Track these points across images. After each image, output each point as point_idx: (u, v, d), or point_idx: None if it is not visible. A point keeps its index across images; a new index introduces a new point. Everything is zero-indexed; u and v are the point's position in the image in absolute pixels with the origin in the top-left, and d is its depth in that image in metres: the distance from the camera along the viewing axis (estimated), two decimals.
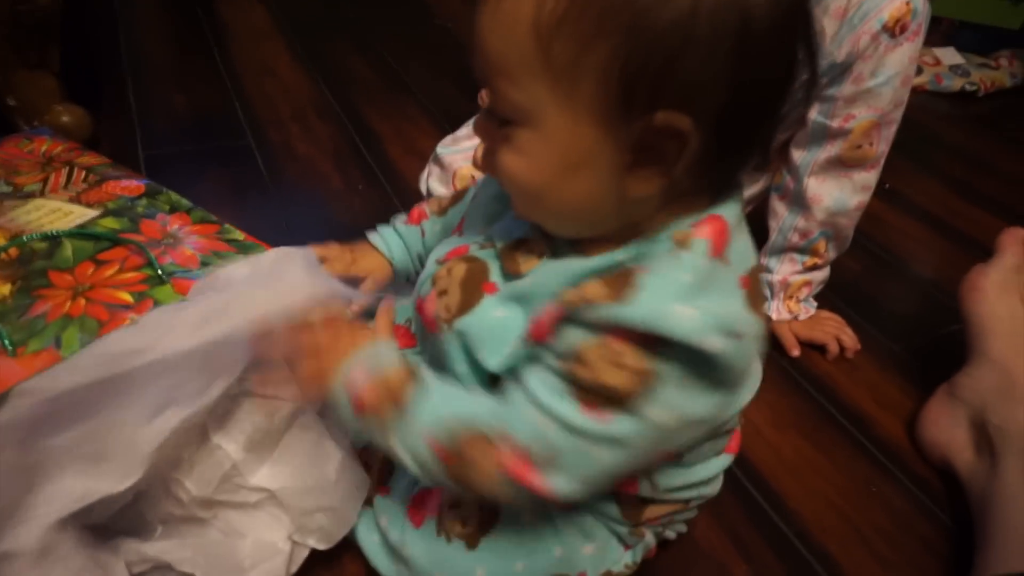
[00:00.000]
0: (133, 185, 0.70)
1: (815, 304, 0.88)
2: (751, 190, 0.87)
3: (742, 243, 0.43)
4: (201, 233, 0.65)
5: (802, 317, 0.87)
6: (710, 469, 0.53)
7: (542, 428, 0.41)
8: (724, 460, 0.55)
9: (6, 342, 0.53)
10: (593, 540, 0.54)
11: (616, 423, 0.40)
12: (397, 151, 1.13)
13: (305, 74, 1.33)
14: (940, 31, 1.60)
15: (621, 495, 0.53)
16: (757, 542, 0.66)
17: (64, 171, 0.71)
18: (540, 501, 0.43)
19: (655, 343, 0.38)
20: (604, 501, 0.53)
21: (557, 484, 0.42)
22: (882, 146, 0.77)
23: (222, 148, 1.10)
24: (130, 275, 0.60)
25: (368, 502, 0.58)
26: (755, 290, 0.42)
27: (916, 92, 1.55)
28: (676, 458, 0.50)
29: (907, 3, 0.70)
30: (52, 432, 0.44)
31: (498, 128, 0.42)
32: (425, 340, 0.53)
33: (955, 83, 1.55)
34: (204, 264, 0.61)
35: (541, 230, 0.46)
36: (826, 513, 0.69)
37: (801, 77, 0.40)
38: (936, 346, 0.91)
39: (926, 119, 1.49)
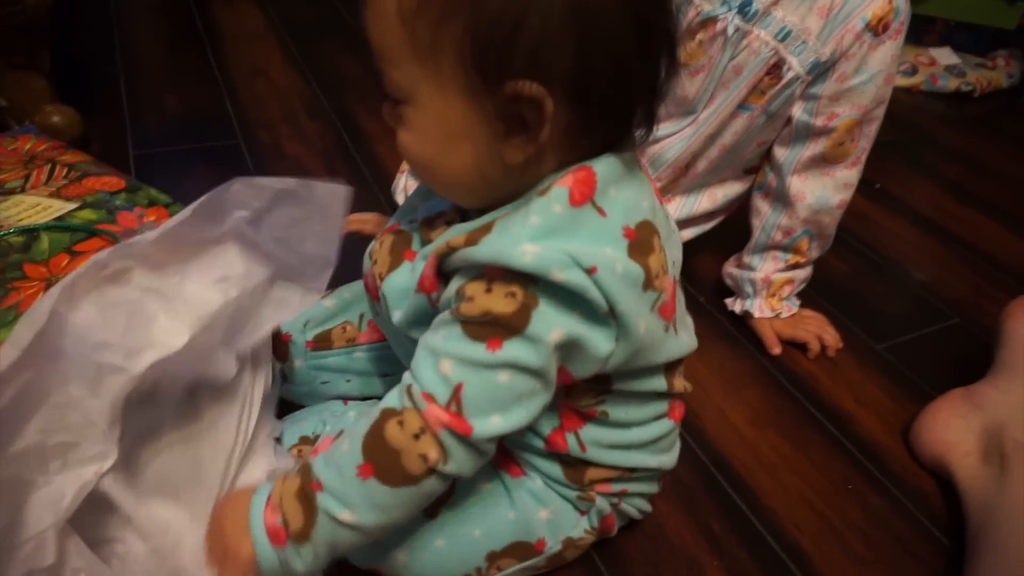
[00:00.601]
0: (113, 181, 0.70)
1: (798, 303, 0.88)
2: (732, 191, 0.87)
3: (625, 196, 0.45)
4: None
5: (784, 315, 0.87)
6: (648, 432, 0.54)
7: (444, 371, 0.43)
8: (663, 425, 0.55)
9: None
10: (546, 505, 0.56)
11: (507, 347, 0.43)
12: (385, 150, 1.13)
13: (297, 75, 1.34)
14: (936, 31, 1.59)
15: (560, 456, 0.54)
16: (730, 538, 0.65)
17: (46, 168, 0.72)
18: (478, 454, 0.45)
19: (514, 276, 0.42)
20: (547, 461, 0.55)
21: (478, 423, 0.43)
22: (863, 143, 0.77)
23: (211, 148, 1.10)
24: None
25: None
26: (641, 241, 0.45)
27: (911, 93, 1.55)
28: (598, 415, 0.52)
29: (890, 2, 0.70)
30: (14, 433, 0.43)
31: (394, 109, 0.46)
32: (377, 314, 0.57)
33: (950, 83, 1.54)
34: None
35: (456, 205, 0.51)
36: (801, 510, 0.69)
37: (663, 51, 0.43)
38: (919, 346, 0.90)
39: (921, 120, 1.48)
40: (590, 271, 0.42)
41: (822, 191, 0.79)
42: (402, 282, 0.51)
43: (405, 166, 0.98)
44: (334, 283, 0.78)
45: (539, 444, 0.54)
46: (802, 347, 0.86)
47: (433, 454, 0.44)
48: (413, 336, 0.50)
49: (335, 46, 1.45)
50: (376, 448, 0.44)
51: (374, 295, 0.55)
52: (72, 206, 0.66)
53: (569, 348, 0.44)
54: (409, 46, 0.42)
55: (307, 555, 0.46)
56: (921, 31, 1.59)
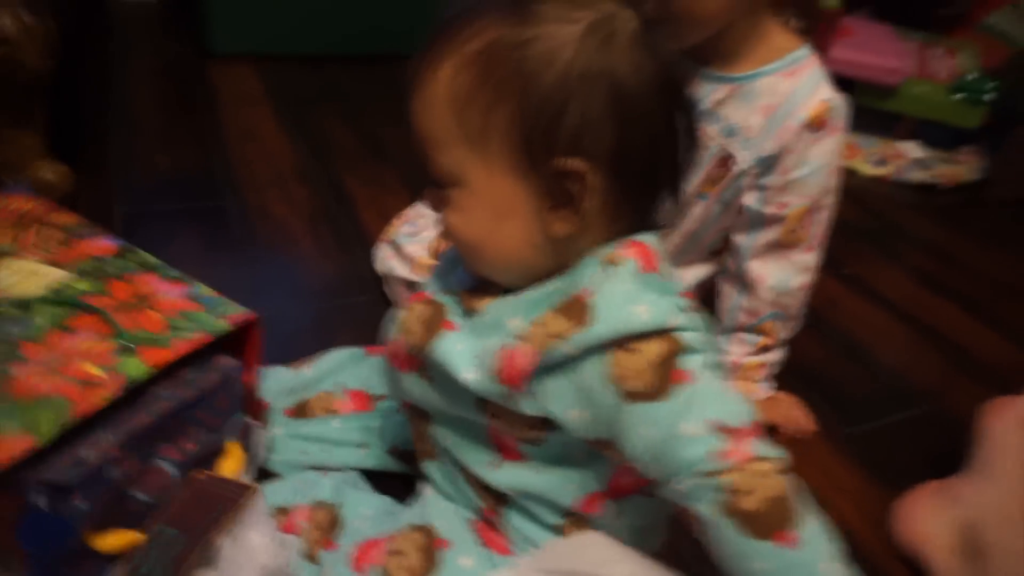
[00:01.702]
0: (105, 245, 0.71)
1: (773, 385, 0.89)
2: (699, 273, 0.90)
3: (670, 270, 0.49)
4: (170, 292, 0.66)
5: (760, 397, 0.88)
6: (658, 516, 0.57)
7: (696, 433, 0.44)
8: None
9: None
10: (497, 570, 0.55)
11: (690, 365, 0.45)
12: (370, 216, 1.15)
13: (288, 141, 1.37)
14: (905, 126, 1.67)
15: (564, 532, 0.54)
16: None
17: (35, 228, 0.72)
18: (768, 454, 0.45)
19: (633, 341, 0.44)
20: (547, 539, 0.55)
21: (756, 445, 0.45)
22: (815, 229, 0.81)
23: (198, 208, 1.12)
24: (100, 346, 0.60)
25: (314, 559, 0.59)
26: (694, 304, 0.48)
27: (881, 182, 1.61)
28: (647, 488, 0.53)
29: (824, 102, 0.75)
30: None
31: (440, 193, 0.49)
32: (402, 385, 0.57)
33: (916, 175, 1.61)
34: (173, 328, 0.62)
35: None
36: None
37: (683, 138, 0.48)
38: (889, 432, 0.92)
39: (890, 209, 1.54)
40: (690, 312, 0.46)
41: (782, 274, 0.82)
42: (456, 352, 0.50)
43: (386, 235, 0.99)
44: (311, 352, 0.78)
45: (551, 512, 0.54)
46: (774, 429, 0.87)
47: (780, 475, 0.45)
48: (467, 396, 0.50)
49: (330, 114, 1.49)
50: (772, 516, 0.43)
51: (404, 364, 0.55)
52: (66, 274, 0.66)
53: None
54: (459, 131, 0.46)
55: None
56: (891, 124, 1.67)
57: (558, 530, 0.55)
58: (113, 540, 0.57)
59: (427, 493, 0.61)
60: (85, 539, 0.55)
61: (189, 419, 0.61)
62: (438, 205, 0.50)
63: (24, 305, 0.62)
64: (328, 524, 0.61)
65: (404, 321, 0.55)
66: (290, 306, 0.94)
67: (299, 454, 0.70)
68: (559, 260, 0.48)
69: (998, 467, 0.73)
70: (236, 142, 1.32)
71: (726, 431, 0.44)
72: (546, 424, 0.50)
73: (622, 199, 0.47)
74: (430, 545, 0.56)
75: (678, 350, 0.44)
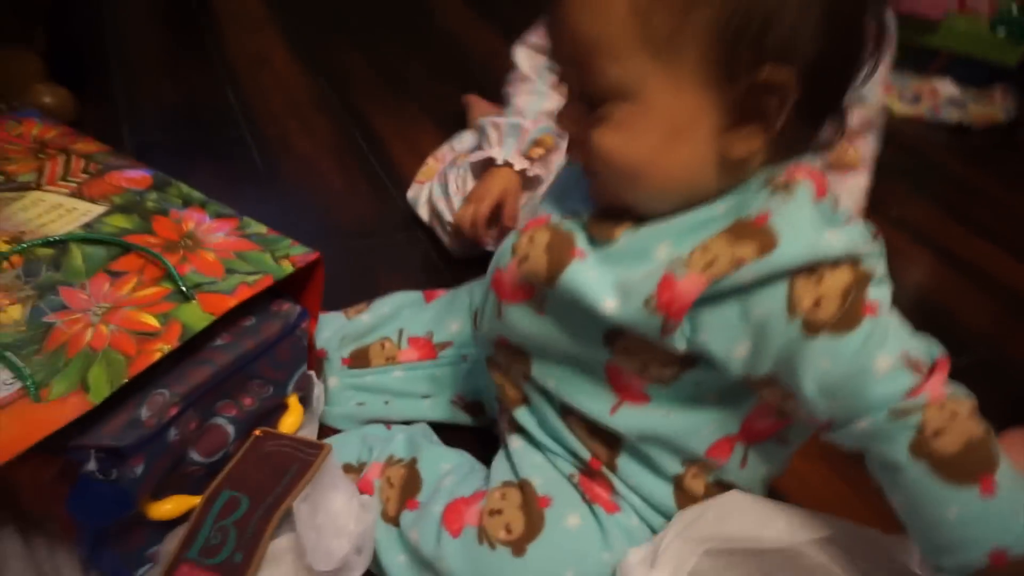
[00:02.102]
0: (139, 176, 0.63)
1: None
2: None
3: (837, 198, 0.45)
4: (220, 231, 0.59)
5: None
6: (780, 465, 0.54)
7: (886, 371, 0.40)
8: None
9: (28, 383, 0.45)
10: (638, 546, 0.51)
11: (875, 296, 0.41)
12: (402, 152, 1.08)
13: (302, 68, 1.27)
14: (940, 62, 1.61)
15: (683, 484, 0.51)
16: None
17: (60, 160, 0.64)
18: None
19: (823, 268, 0.40)
20: (660, 482, 0.51)
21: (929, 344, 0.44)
22: (866, 149, 0.78)
23: (214, 139, 1.04)
24: (150, 291, 0.53)
25: (393, 521, 0.54)
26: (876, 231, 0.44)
27: (914, 122, 1.56)
28: (780, 434, 0.50)
29: None
30: None
31: (589, 111, 0.43)
32: (502, 319, 0.52)
33: (952, 115, 1.56)
34: (229, 271, 0.55)
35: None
36: None
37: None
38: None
39: (925, 148, 1.49)
40: (875, 240, 0.42)
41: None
42: (590, 280, 0.45)
43: (424, 176, 0.92)
44: (351, 295, 0.73)
45: (674, 459, 0.50)
46: None
47: (973, 408, 0.42)
48: (595, 329, 0.46)
49: (339, 40, 1.39)
50: (967, 461, 0.40)
51: (511, 294, 0.50)
52: (100, 210, 0.58)
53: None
54: (640, 37, 0.39)
55: None
56: (925, 61, 1.61)
57: (677, 481, 0.51)
58: (169, 507, 0.52)
59: (515, 445, 0.56)
60: (140, 506, 0.50)
61: (250, 372, 0.55)
62: (585, 126, 0.43)
63: (58, 245, 0.55)
64: (406, 482, 0.56)
65: (521, 247, 0.49)
66: (325, 246, 0.86)
67: (356, 406, 0.65)
68: (724, 184, 0.43)
69: None
70: (247, 70, 1.23)
71: (917, 367, 0.40)
72: (684, 361, 0.46)
73: (805, 117, 0.42)
74: (531, 503, 0.52)
75: (866, 280, 0.41)
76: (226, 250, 0.57)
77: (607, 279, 0.45)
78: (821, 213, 0.42)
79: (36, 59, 0.95)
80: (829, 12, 0.39)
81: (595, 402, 0.50)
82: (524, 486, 0.53)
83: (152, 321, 0.51)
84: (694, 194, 0.44)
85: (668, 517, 0.52)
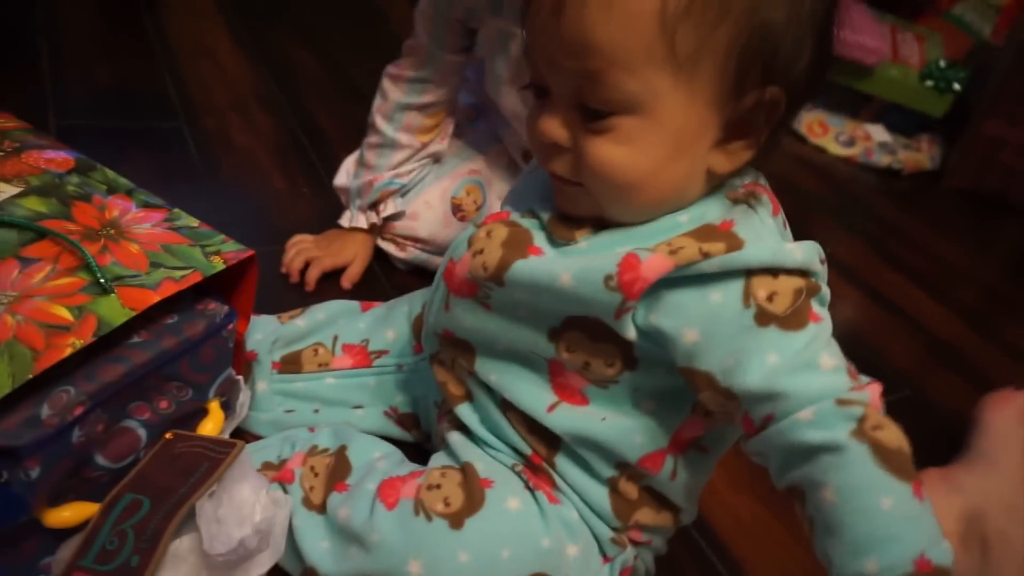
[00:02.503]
0: (60, 158, 0.59)
1: None
2: None
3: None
4: (147, 221, 0.55)
5: None
6: (708, 475, 0.54)
7: (828, 368, 0.41)
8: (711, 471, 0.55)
9: None
10: (577, 542, 0.51)
11: (817, 310, 0.43)
12: (345, 154, 1.05)
13: (247, 62, 1.23)
14: (872, 108, 1.68)
15: (622, 483, 0.50)
16: None
17: None
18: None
19: (779, 271, 0.41)
20: (597, 485, 0.51)
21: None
22: None
23: (149, 128, 0.99)
24: (65, 281, 0.49)
25: (318, 508, 0.52)
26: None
27: (848, 163, 1.63)
28: (703, 444, 0.51)
29: None
30: None
31: (585, 121, 0.42)
32: (450, 311, 0.51)
33: (883, 159, 1.63)
34: (154, 265, 0.51)
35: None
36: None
37: None
38: None
39: (857, 189, 1.55)
40: (821, 262, 0.44)
41: None
42: (545, 270, 0.45)
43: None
44: (286, 299, 0.70)
45: (607, 464, 0.50)
46: None
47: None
48: (541, 326, 0.47)
49: (286, 35, 1.35)
50: (903, 459, 0.39)
51: (460, 288, 0.50)
52: (14, 190, 0.53)
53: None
54: (663, 52, 0.39)
55: None
56: (858, 105, 1.68)
57: (611, 483, 0.50)
58: (68, 514, 0.48)
59: (455, 439, 0.54)
60: (35, 513, 0.46)
61: (168, 373, 0.52)
62: (579, 136, 0.43)
63: None
64: (333, 469, 0.53)
65: (478, 240, 0.48)
66: (260, 246, 0.83)
67: (284, 413, 0.63)
68: (695, 196, 0.45)
69: (1001, 459, 0.74)
70: (188, 58, 1.18)
71: (856, 377, 0.42)
72: (627, 361, 0.46)
73: (774, 131, 0.44)
74: (472, 482, 0.50)
75: (815, 290, 0.43)
76: (152, 242, 0.54)
77: (563, 262, 0.45)
78: (778, 228, 0.44)
79: None
80: (817, 32, 0.41)
81: (534, 399, 0.50)
82: (466, 467, 0.51)
83: (65, 313, 0.47)
84: (672, 207, 0.45)
85: (604, 519, 0.51)
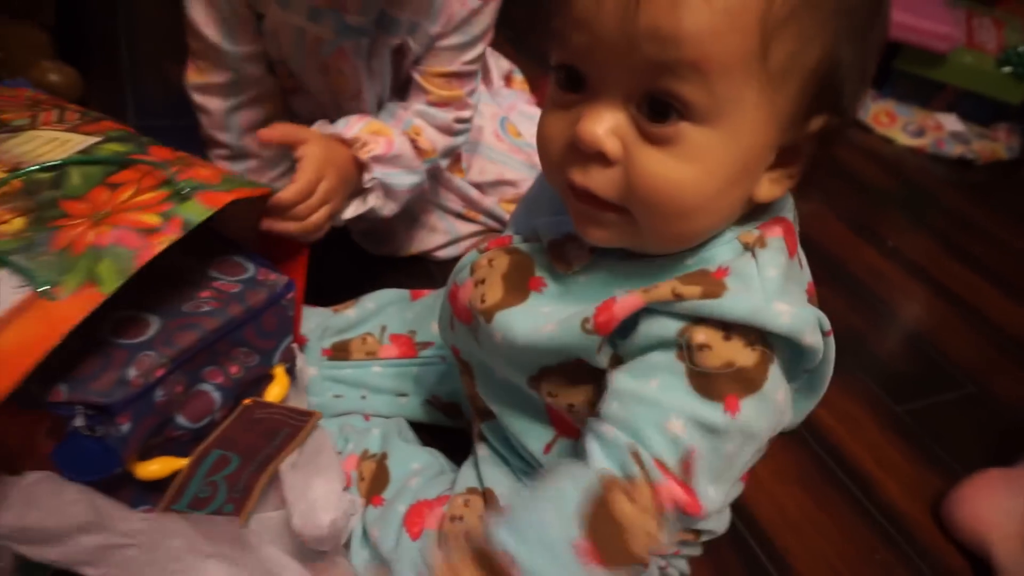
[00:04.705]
0: (132, 131, 0.64)
1: None
2: None
3: (802, 253, 0.43)
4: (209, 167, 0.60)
5: None
6: (733, 493, 0.52)
7: (674, 431, 0.37)
8: (739, 487, 0.53)
9: (40, 284, 0.46)
10: None
11: (744, 408, 0.37)
12: None
13: None
14: (943, 97, 1.61)
15: None
16: None
17: (54, 112, 0.65)
18: (688, 525, 0.39)
19: (756, 334, 0.38)
20: None
21: (707, 495, 0.38)
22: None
23: None
24: (149, 196, 0.54)
25: (361, 516, 0.55)
26: (814, 298, 0.42)
27: (917, 154, 1.57)
28: None
29: None
30: None
31: (648, 125, 0.36)
32: (454, 330, 0.51)
33: (955, 149, 1.57)
34: (226, 180, 0.56)
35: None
36: None
37: None
38: (936, 412, 0.89)
39: (926, 181, 1.49)
40: (826, 335, 0.39)
41: None
42: (538, 318, 0.43)
43: None
44: (356, 295, 0.73)
45: None
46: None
47: (656, 531, 0.37)
48: (519, 373, 0.45)
49: None
50: (601, 524, 0.36)
51: (463, 314, 0.48)
52: (95, 139, 0.59)
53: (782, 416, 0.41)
54: (756, 58, 0.34)
55: None
56: (930, 95, 1.61)
57: None
58: (156, 467, 0.52)
59: (482, 453, 0.56)
60: (126, 465, 0.51)
61: (236, 340, 0.56)
62: (637, 147, 0.36)
63: (55, 168, 0.56)
64: (375, 476, 0.56)
65: (480, 269, 0.47)
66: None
67: (333, 398, 0.66)
68: (725, 227, 0.41)
69: None
70: None
71: (683, 466, 0.37)
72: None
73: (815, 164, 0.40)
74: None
75: (760, 381, 0.38)
76: (215, 175, 0.58)
77: (553, 315, 0.42)
78: (786, 275, 0.39)
79: (43, 35, 0.95)
80: (872, 61, 0.38)
81: (531, 436, 0.50)
82: (487, 494, 0.53)
83: (153, 219, 0.51)
84: (709, 236, 0.41)
85: None
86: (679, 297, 0.38)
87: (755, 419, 0.38)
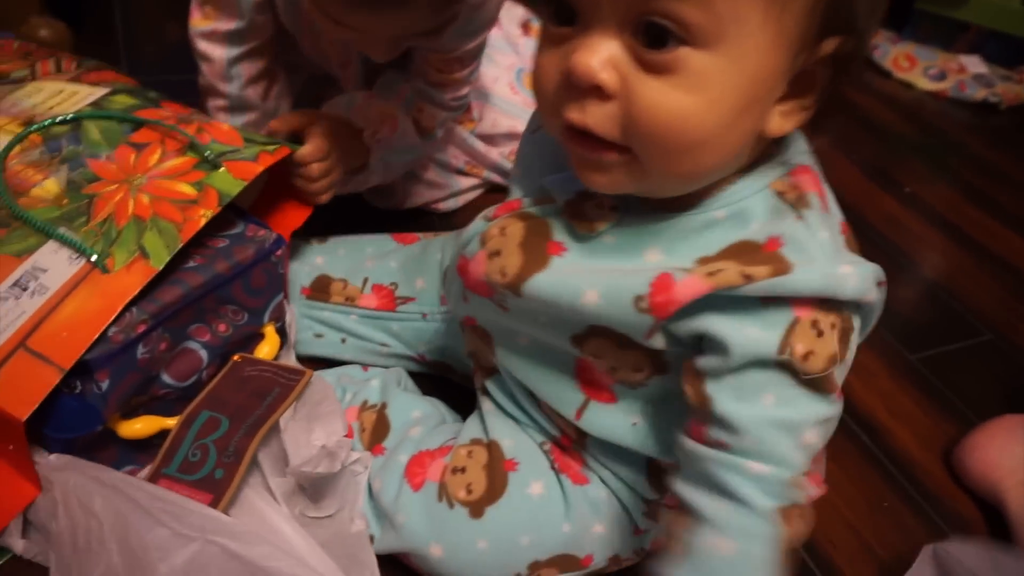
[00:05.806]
0: (131, 81, 0.64)
1: None
2: None
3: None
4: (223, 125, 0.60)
5: None
6: None
7: (807, 442, 0.37)
8: None
9: (94, 255, 0.47)
10: (603, 518, 0.50)
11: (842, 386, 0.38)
12: None
13: None
14: (967, 39, 1.55)
15: (654, 466, 0.49)
16: None
17: (51, 61, 0.64)
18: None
19: (833, 309, 0.37)
20: (631, 470, 0.49)
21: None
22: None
23: None
24: (178, 161, 0.54)
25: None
26: (851, 237, 0.41)
27: (937, 98, 1.51)
28: None
29: None
30: None
31: (646, 53, 0.33)
32: (468, 302, 0.49)
33: (978, 92, 1.51)
34: (247, 141, 0.56)
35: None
36: (835, 526, 0.65)
37: None
38: (951, 360, 0.87)
39: (947, 126, 1.44)
40: (880, 285, 0.39)
41: None
42: (569, 283, 0.40)
43: None
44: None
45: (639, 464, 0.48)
46: None
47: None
48: (562, 334, 0.43)
49: None
50: (785, 556, 0.37)
51: (482, 289, 0.45)
52: (103, 91, 0.58)
53: None
54: None
55: None
56: (952, 37, 1.55)
57: (651, 466, 0.49)
58: (139, 426, 0.52)
59: (486, 407, 0.55)
60: (109, 423, 0.50)
61: (223, 297, 0.55)
62: (636, 77, 0.33)
63: (72, 122, 0.56)
64: (375, 426, 0.55)
65: (491, 240, 0.44)
66: None
67: (314, 337, 0.65)
68: (739, 165, 0.39)
69: None
70: None
71: (818, 461, 0.39)
72: (656, 367, 0.43)
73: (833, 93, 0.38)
74: (496, 464, 0.51)
75: (847, 355, 0.38)
76: (234, 134, 0.59)
77: (588, 275, 0.40)
78: (832, 239, 0.38)
79: None
80: None
81: (561, 400, 0.48)
82: (492, 446, 0.52)
83: (188, 189, 0.53)
84: (720, 175, 0.39)
85: (641, 495, 0.50)
86: (749, 279, 0.35)
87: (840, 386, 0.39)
